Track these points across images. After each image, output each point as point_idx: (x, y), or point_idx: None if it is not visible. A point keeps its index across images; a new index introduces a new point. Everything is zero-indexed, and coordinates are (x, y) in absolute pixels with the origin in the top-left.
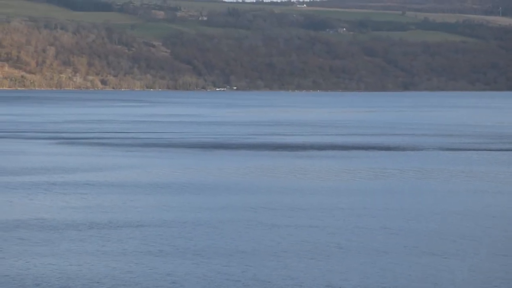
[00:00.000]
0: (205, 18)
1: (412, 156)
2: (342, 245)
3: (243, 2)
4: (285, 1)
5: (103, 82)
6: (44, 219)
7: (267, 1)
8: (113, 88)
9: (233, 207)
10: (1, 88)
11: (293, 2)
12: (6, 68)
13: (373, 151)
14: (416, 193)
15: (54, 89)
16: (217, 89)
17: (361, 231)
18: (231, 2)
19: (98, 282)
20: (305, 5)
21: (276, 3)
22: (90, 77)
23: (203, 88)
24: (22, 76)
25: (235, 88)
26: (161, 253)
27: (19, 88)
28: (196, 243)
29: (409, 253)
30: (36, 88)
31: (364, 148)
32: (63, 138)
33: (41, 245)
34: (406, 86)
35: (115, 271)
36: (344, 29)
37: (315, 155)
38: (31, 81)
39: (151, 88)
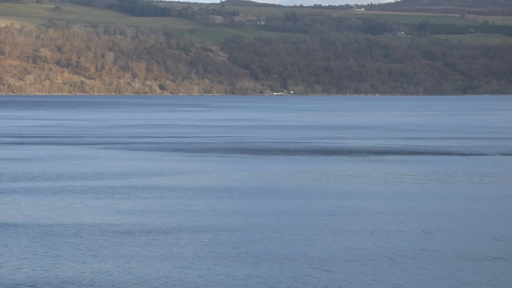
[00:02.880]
0: (263, 23)
1: (474, 160)
2: (406, 250)
3: (301, 6)
4: (343, 5)
5: (161, 87)
6: (104, 224)
7: (325, 5)
8: (171, 93)
9: (293, 212)
10: (61, 94)
11: (351, 6)
12: (66, 74)
13: (435, 155)
14: (479, 197)
15: (112, 94)
16: (274, 93)
17: (426, 236)
18: (289, 6)
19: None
20: (363, 8)
21: (334, 7)
22: (149, 82)
23: (261, 92)
24: (81, 82)
25: (292, 92)
26: (221, 258)
27: (78, 93)
28: (255, 248)
29: (475, 258)
30: (95, 93)
31: (426, 152)
32: (123, 143)
33: (101, 250)
34: (465, 90)
35: (172, 276)
36: (403, 32)
37: (375, 159)
38: (90, 86)
39: (208, 93)
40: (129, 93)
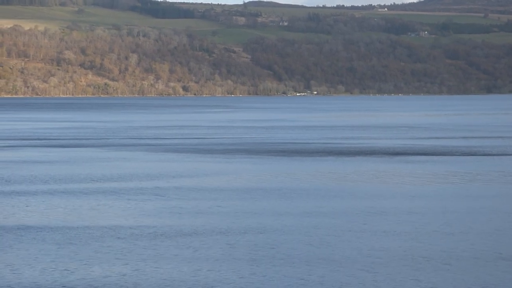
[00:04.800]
0: (285, 23)
1: (503, 160)
2: (436, 251)
3: (324, 7)
4: (366, 5)
5: (185, 88)
6: (131, 226)
7: (348, 5)
8: (195, 94)
9: (320, 213)
10: (85, 96)
11: (374, 6)
12: (90, 76)
13: (463, 155)
14: (509, 197)
15: (136, 95)
16: (297, 94)
17: (455, 236)
18: (311, 7)
19: None
20: (386, 8)
21: (357, 7)
22: (172, 84)
23: (284, 93)
24: (105, 84)
25: (315, 93)
26: (248, 260)
27: (102, 96)
28: (282, 249)
29: (508, 259)
30: (119, 95)
31: (453, 152)
32: (148, 144)
33: (127, 252)
34: (489, 89)
35: (199, 278)
36: (426, 32)
37: (401, 159)
38: (114, 88)
39: (232, 94)
40: (153, 95)
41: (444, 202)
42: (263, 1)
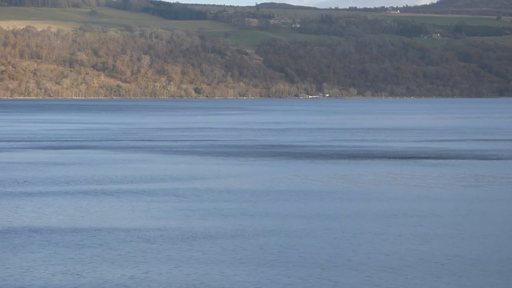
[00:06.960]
0: (298, 25)
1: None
2: (456, 255)
3: (336, 9)
4: (378, 7)
5: (197, 90)
6: (142, 229)
7: (360, 7)
8: (207, 96)
9: (334, 216)
10: (97, 97)
11: (386, 8)
12: (102, 78)
13: (476, 159)
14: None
15: (148, 97)
16: (309, 96)
17: (465, 240)
18: (324, 9)
19: None
20: (398, 11)
21: (370, 9)
22: (184, 86)
23: (296, 95)
24: (117, 85)
25: (327, 95)
26: (260, 263)
27: (114, 97)
28: (294, 253)
29: None
30: (131, 97)
31: (466, 155)
32: (161, 146)
33: (138, 255)
34: (502, 92)
35: (211, 281)
36: (438, 34)
37: (414, 162)
38: (126, 90)
39: (244, 96)
40: (165, 97)
41: (459, 205)
42: (276, 3)
